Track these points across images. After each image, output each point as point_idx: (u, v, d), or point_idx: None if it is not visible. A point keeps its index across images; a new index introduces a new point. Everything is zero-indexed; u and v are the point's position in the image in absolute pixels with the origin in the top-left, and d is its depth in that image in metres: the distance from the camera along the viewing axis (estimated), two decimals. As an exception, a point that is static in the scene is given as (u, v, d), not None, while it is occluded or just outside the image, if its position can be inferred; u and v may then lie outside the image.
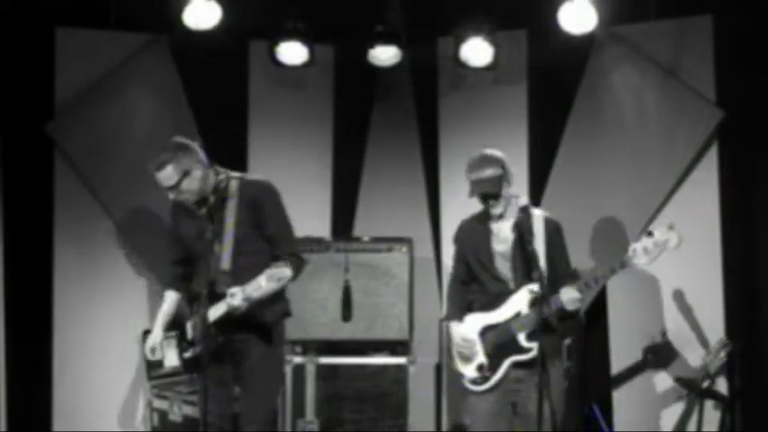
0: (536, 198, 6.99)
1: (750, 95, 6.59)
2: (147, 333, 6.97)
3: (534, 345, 5.48)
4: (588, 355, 6.86)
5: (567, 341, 6.64)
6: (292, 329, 6.93)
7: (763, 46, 6.50)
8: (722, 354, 6.27)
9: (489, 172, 5.55)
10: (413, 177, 7.50)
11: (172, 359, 5.63)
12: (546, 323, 5.45)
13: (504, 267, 5.63)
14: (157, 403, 6.76)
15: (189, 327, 5.49)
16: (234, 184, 5.47)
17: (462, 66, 7.03)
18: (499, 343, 5.58)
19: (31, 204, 7.04)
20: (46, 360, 7.02)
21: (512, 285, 5.61)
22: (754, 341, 6.58)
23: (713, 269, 6.69)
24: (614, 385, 6.83)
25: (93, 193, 7.13)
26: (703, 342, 6.62)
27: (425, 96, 7.51)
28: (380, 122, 7.61)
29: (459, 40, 6.94)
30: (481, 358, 5.63)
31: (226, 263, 5.37)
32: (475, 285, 5.74)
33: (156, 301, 7.19)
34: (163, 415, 6.70)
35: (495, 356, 5.59)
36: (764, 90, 6.52)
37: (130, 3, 6.98)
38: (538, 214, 5.66)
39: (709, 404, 6.36)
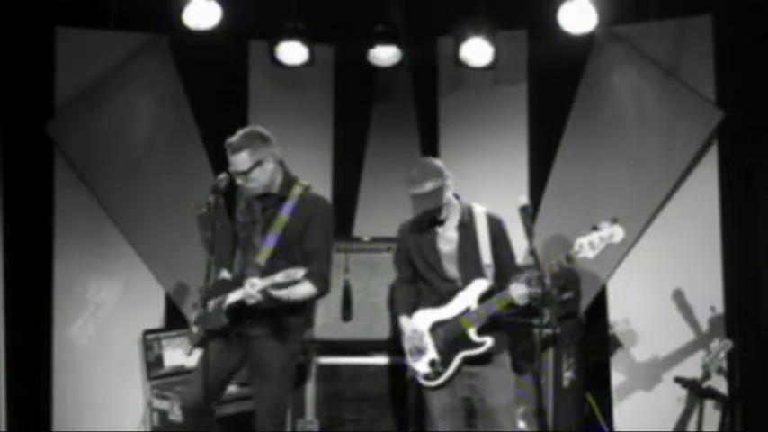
0: (536, 198, 7.00)
1: (750, 95, 6.59)
2: (147, 333, 7.02)
3: (485, 339, 5.60)
4: (588, 355, 6.87)
5: (567, 341, 6.66)
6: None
7: (763, 46, 6.50)
8: (722, 354, 6.27)
9: (429, 185, 5.58)
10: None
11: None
12: (495, 318, 5.59)
13: (450, 268, 5.71)
14: (157, 403, 6.76)
15: (208, 305, 5.51)
16: (297, 191, 5.59)
17: (462, 66, 7.02)
18: (450, 338, 5.67)
19: (31, 204, 7.04)
20: (46, 360, 7.02)
21: (459, 284, 5.69)
22: (754, 341, 6.58)
23: (713, 269, 6.69)
24: None
25: (94, 193, 7.12)
26: (703, 342, 6.63)
27: (425, 96, 7.52)
28: (380, 122, 7.62)
29: (460, 40, 6.93)
30: (432, 354, 5.70)
31: (262, 258, 5.49)
32: (422, 285, 5.82)
33: (156, 301, 7.23)
34: (163, 415, 6.70)
35: (447, 352, 5.68)
36: (764, 90, 6.52)
37: (130, 3, 6.98)
38: (479, 211, 5.73)
39: (709, 404, 6.36)
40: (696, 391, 6.27)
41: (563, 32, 6.74)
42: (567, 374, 6.61)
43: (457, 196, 5.77)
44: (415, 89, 7.56)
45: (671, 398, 6.55)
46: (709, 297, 6.67)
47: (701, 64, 6.75)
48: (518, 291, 5.53)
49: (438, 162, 5.71)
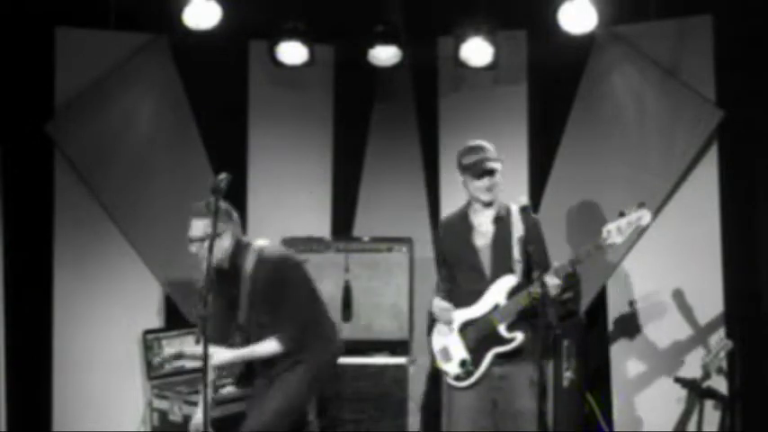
0: (536, 198, 7.00)
1: (750, 95, 6.59)
2: (147, 333, 7.02)
3: (516, 335, 5.53)
4: (588, 355, 6.87)
5: (567, 341, 6.66)
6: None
7: (763, 46, 6.50)
8: (722, 354, 6.28)
9: (493, 155, 5.61)
10: (413, 177, 7.51)
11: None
12: (524, 314, 5.51)
13: (484, 262, 5.65)
14: (157, 403, 6.76)
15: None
16: (251, 260, 5.58)
17: (462, 66, 7.02)
18: (480, 336, 5.60)
19: (31, 204, 7.04)
20: (46, 360, 7.02)
21: (490, 279, 5.62)
22: (754, 341, 6.59)
23: (713, 269, 6.69)
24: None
25: (93, 193, 7.12)
26: (703, 342, 6.63)
27: (425, 96, 7.51)
28: (380, 122, 7.61)
29: (460, 40, 6.93)
30: (464, 354, 5.64)
31: (241, 319, 5.60)
32: (454, 284, 5.75)
33: (156, 301, 7.23)
34: (163, 415, 6.70)
35: (477, 350, 5.61)
36: (764, 90, 6.52)
37: (130, 3, 6.97)
38: (515, 208, 5.67)
39: (709, 404, 6.36)
40: (696, 391, 6.28)
41: (563, 32, 6.74)
42: (567, 374, 6.61)
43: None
44: (415, 89, 7.56)
45: (671, 398, 6.55)
46: (710, 297, 6.67)
47: (701, 64, 6.74)
48: (552, 281, 5.44)
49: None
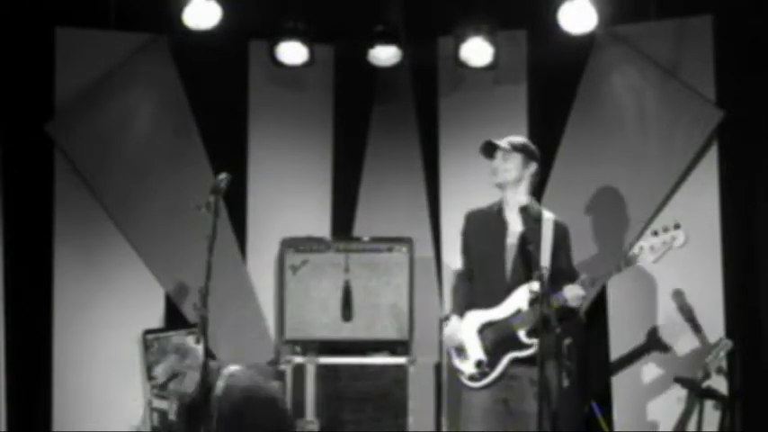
0: (536, 198, 6.98)
1: (750, 95, 6.59)
2: (147, 333, 7.02)
3: (534, 341, 5.50)
4: (588, 355, 6.87)
5: (567, 341, 6.65)
6: (293, 329, 6.97)
7: (763, 46, 6.50)
8: (722, 354, 6.28)
9: (506, 143, 5.67)
10: (413, 177, 7.50)
11: None
12: (546, 321, 5.43)
13: (509, 260, 5.63)
14: (157, 403, 6.76)
15: None
16: (219, 386, 5.62)
17: (462, 66, 7.03)
18: (498, 339, 5.58)
19: (31, 204, 7.04)
20: (46, 360, 7.02)
21: (509, 280, 5.61)
22: (754, 341, 6.58)
23: (713, 269, 6.69)
24: (617, 369, 6.82)
25: (93, 192, 7.13)
26: (703, 342, 6.63)
27: (425, 96, 7.51)
28: (380, 122, 7.61)
29: (460, 40, 6.94)
30: (480, 354, 5.62)
31: None
32: (476, 281, 5.72)
33: (156, 301, 7.23)
34: (163, 415, 6.70)
35: (494, 353, 5.59)
36: (764, 90, 6.52)
37: (130, 3, 6.98)
38: (548, 215, 5.66)
39: (709, 404, 6.36)
40: (696, 391, 6.27)
41: (563, 32, 6.74)
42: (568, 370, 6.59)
43: (536, 198, 5.73)
44: (415, 89, 7.55)
45: (671, 398, 6.55)
46: (710, 297, 6.67)
47: (701, 64, 6.75)
48: (572, 292, 5.46)
49: (531, 145, 5.73)
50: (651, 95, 6.90)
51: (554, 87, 7.18)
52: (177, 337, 5.81)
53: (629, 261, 5.50)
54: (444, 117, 7.47)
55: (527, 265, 5.55)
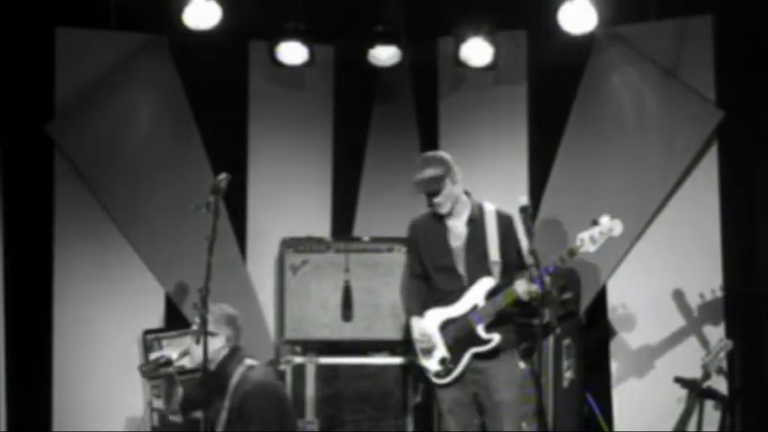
0: (536, 198, 6.99)
1: (750, 95, 6.60)
2: (147, 333, 7.02)
3: (493, 336, 5.68)
4: (588, 355, 6.87)
5: (567, 341, 6.66)
6: (293, 329, 6.96)
7: (763, 46, 6.50)
8: (722, 354, 6.28)
9: (429, 172, 5.71)
10: (413, 177, 7.49)
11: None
12: (502, 315, 5.66)
13: (459, 263, 5.76)
14: (157, 403, 6.76)
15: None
16: (238, 374, 5.58)
17: (462, 66, 7.03)
18: (459, 336, 5.72)
19: (31, 204, 7.04)
20: (46, 360, 7.02)
21: (466, 280, 5.75)
22: (754, 341, 6.58)
23: (713, 269, 6.69)
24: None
25: (93, 192, 7.13)
26: (703, 342, 6.63)
27: (425, 96, 7.51)
28: (380, 122, 7.61)
29: (460, 40, 6.94)
30: (443, 352, 5.76)
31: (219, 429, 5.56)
32: (431, 282, 5.86)
33: (156, 301, 7.23)
34: (163, 415, 6.70)
35: (457, 349, 5.73)
36: (764, 90, 6.52)
37: (130, 3, 6.97)
38: (490, 208, 5.81)
39: (709, 404, 6.36)
40: (696, 391, 6.27)
41: (563, 32, 6.74)
42: (567, 374, 6.61)
43: (467, 193, 5.83)
44: (415, 89, 7.55)
45: (671, 398, 6.55)
46: (710, 297, 6.67)
47: (701, 64, 6.75)
48: (521, 287, 5.59)
49: (445, 155, 5.83)
50: (651, 95, 6.91)
51: (554, 87, 7.18)
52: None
53: (572, 252, 5.65)
54: (444, 117, 7.47)
55: (479, 263, 5.72)
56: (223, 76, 7.34)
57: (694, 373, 6.32)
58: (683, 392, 6.44)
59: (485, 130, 7.32)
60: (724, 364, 6.43)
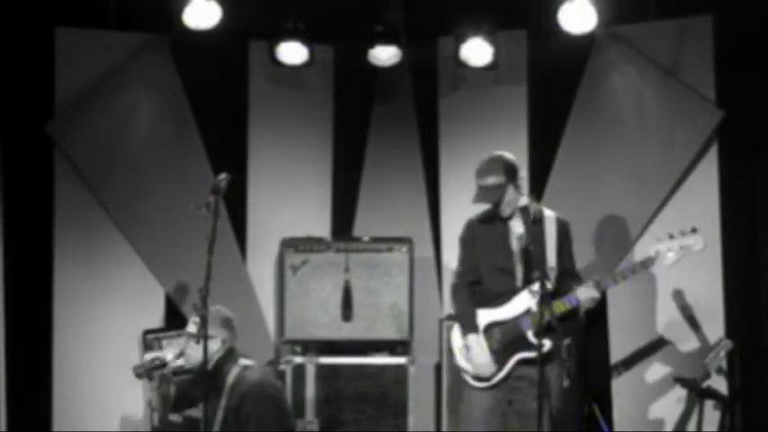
0: (536, 198, 6.98)
1: (750, 95, 6.60)
2: (147, 333, 7.02)
3: (544, 342, 5.45)
4: (588, 355, 6.87)
5: (567, 341, 6.65)
6: (293, 329, 6.96)
7: (763, 46, 6.50)
8: (722, 354, 6.28)
9: (491, 180, 5.54)
10: (413, 177, 7.50)
11: None
12: (549, 323, 5.42)
13: (518, 265, 5.61)
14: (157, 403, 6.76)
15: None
16: (234, 374, 5.59)
17: (462, 66, 7.03)
18: (506, 340, 5.57)
19: (31, 204, 7.04)
20: (46, 360, 7.02)
21: (519, 283, 5.60)
22: (754, 341, 6.59)
23: (713, 269, 6.69)
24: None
25: (93, 192, 7.13)
26: (703, 342, 6.63)
27: (425, 96, 7.51)
28: (380, 122, 7.61)
29: (460, 40, 6.94)
30: (486, 355, 5.59)
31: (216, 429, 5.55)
32: (485, 288, 5.69)
33: (156, 301, 7.23)
34: (163, 415, 6.69)
35: (502, 353, 5.58)
36: (764, 90, 6.52)
37: (130, 3, 6.98)
38: (549, 214, 5.67)
39: (709, 404, 6.36)
40: (696, 391, 6.28)
41: (563, 32, 6.75)
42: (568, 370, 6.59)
43: (532, 196, 5.71)
44: (415, 89, 7.55)
45: (671, 398, 6.55)
46: (710, 297, 6.67)
47: (701, 64, 6.75)
48: (586, 293, 5.47)
49: (509, 158, 5.63)
50: (651, 95, 6.91)
51: (554, 87, 7.19)
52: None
53: (646, 264, 5.55)
54: (444, 117, 7.47)
55: (539, 269, 5.47)
56: (223, 76, 7.34)
57: (694, 373, 6.32)
58: (683, 392, 6.45)
59: (485, 130, 7.32)
60: (724, 364, 6.43)
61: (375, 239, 7.03)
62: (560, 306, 5.50)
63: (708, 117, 6.71)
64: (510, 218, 5.63)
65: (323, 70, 7.46)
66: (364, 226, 7.47)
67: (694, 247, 5.51)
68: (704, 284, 6.69)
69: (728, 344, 6.28)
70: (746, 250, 6.70)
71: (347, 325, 6.91)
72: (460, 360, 5.68)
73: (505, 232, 5.65)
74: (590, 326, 6.98)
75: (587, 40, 6.95)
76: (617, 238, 6.80)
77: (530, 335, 5.50)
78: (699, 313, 6.70)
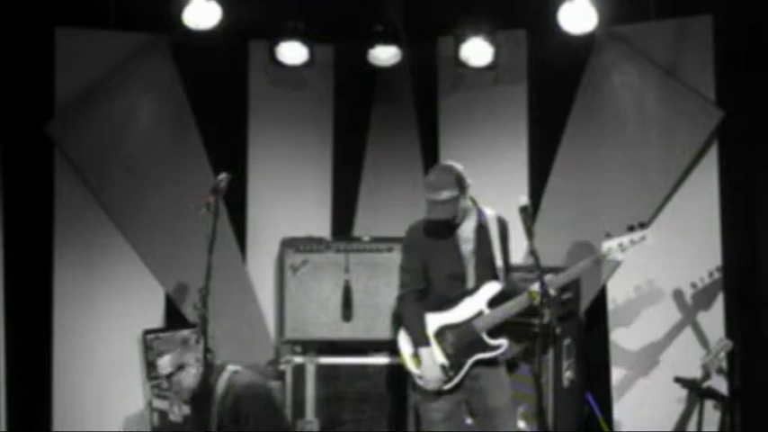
0: (536, 198, 6.99)
1: (750, 95, 6.59)
2: (147, 333, 7.02)
3: (501, 341, 5.63)
4: (588, 355, 6.87)
5: (567, 341, 6.66)
6: (293, 329, 6.97)
7: (763, 46, 6.50)
8: (722, 354, 6.28)
9: (445, 195, 5.57)
10: (413, 177, 7.49)
11: None
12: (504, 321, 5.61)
13: (469, 269, 5.68)
14: (157, 403, 6.77)
15: None
16: (223, 381, 5.63)
17: (462, 66, 7.03)
18: (461, 342, 5.64)
19: (30, 204, 7.04)
20: (46, 360, 7.02)
21: (468, 287, 5.67)
22: (754, 341, 6.58)
23: (713, 269, 6.69)
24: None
25: (93, 192, 7.13)
26: (703, 342, 6.63)
27: (425, 96, 7.51)
28: (380, 122, 7.61)
29: (459, 40, 6.94)
30: (441, 359, 5.66)
31: None
32: (432, 294, 5.74)
33: (156, 301, 7.23)
34: (163, 415, 6.70)
35: (457, 356, 5.64)
36: (764, 90, 6.52)
37: (130, 3, 6.98)
38: (491, 214, 5.76)
39: (709, 404, 6.37)
40: (696, 391, 6.28)
41: (563, 32, 6.74)
42: (567, 374, 6.61)
43: (472, 200, 5.75)
44: (415, 89, 7.55)
45: (671, 398, 6.55)
46: (710, 297, 6.67)
47: (701, 64, 6.75)
48: (536, 288, 5.50)
49: (458, 169, 5.66)
50: (651, 95, 6.91)
51: (554, 87, 7.19)
52: (184, 332, 5.88)
53: (599, 260, 5.67)
54: (444, 117, 7.47)
55: (483, 268, 5.65)
56: (223, 76, 7.34)
57: (694, 373, 6.32)
58: (683, 392, 6.46)
59: (485, 130, 7.32)
60: (724, 364, 6.43)
61: (375, 239, 7.03)
62: (518, 304, 5.61)
63: (708, 117, 6.71)
64: (457, 226, 5.69)
65: (323, 70, 7.46)
66: (364, 226, 7.47)
67: (645, 241, 5.62)
68: (704, 284, 6.69)
69: (728, 344, 6.28)
70: (746, 250, 6.69)
71: (347, 325, 6.91)
72: (411, 367, 5.73)
73: (454, 238, 5.70)
74: (590, 326, 6.99)
75: (587, 40, 6.95)
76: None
77: (485, 336, 5.61)
78: (699, 313, 6.70)
